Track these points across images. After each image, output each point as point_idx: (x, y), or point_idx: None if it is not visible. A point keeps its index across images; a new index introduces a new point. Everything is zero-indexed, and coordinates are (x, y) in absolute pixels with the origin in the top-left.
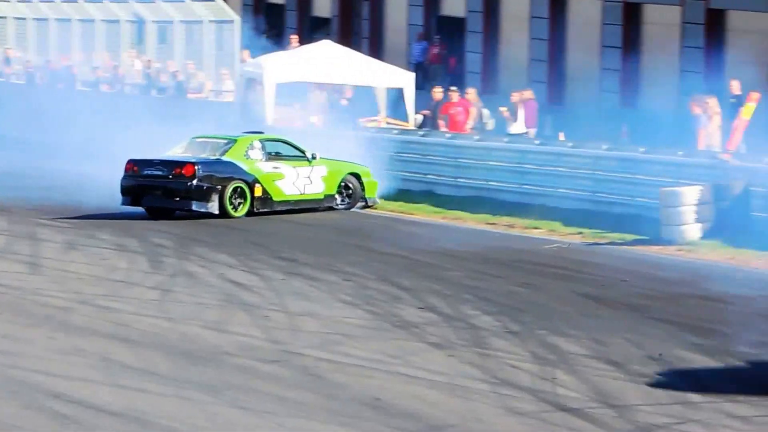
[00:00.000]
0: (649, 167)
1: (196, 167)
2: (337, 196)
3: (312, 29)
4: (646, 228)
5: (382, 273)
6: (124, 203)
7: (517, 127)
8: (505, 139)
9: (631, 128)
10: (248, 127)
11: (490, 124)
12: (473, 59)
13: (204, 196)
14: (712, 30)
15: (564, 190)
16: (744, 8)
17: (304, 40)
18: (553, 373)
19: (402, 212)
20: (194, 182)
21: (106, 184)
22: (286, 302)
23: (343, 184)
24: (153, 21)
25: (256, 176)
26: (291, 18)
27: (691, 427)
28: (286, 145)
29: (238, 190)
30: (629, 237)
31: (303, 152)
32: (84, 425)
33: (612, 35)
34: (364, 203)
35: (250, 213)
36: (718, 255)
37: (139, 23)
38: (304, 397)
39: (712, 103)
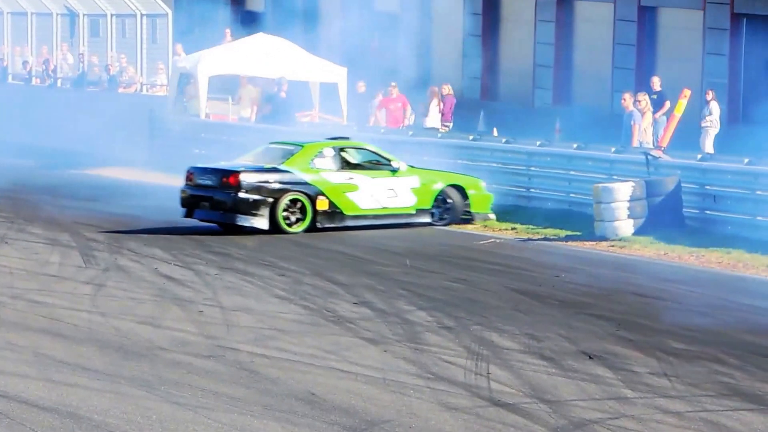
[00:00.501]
0: (583, 163)
1: (241, 176)
2: (434, 210)
3: (245, 23)
4: (579, 224)
5: (317, 268)
6: (183, 215)
7: (431, 121)
8: (439, 135)
9: (565, 124)
10: (181, 120)
11: (412, 119)
12: (406, 54)
13: (250, 208)
14: (644, 27)
15: (497, 186)
16: (674, 6)
17: (237, 34)
18: (487, 369)
19: None
20: (240, 193)
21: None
22: (220, 297)
23: (441, 197)
24: (85, 14)
25: (321, 188)
26: (224, 12)
27: (625, 423)
28: (370, 153)
29: (298, 203)
30: (562, 233)
31: (389, 161)
32: (16, 420)
33: (545, 32)
34: (470, 218)
35: (311, 229)
36: (651, 251)
37: (72, 17)
38: (238, 392)
39: (644, 99)
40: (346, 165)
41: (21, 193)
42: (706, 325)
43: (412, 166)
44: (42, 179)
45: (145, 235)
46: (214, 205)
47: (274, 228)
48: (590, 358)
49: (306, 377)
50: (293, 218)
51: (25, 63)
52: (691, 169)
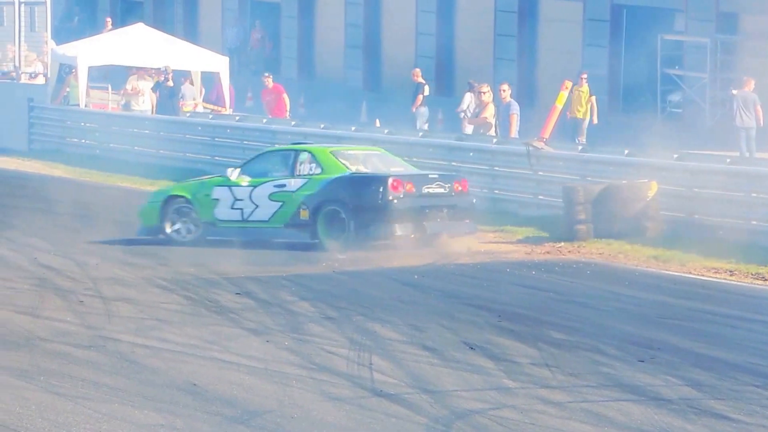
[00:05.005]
0: (465, 154)
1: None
2: None
3: (125, 12)
4: None
5: (199, 258)
6: (401, 231)
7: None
8: (322, 125)
9: (448, 115)
10: (61, 109)
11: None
12: (289, 44)
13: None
14: (526, 17)
15: None
16: None
17: (117, 23)
18: (369, 359)
19: None
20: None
21: None
22: (100, 287)
23: None
24: None
25: None
26: (104, 0)
27: (506, 413)
28: None
29: None
30: None
31: None
32: None
33: (427, 21)
34: None
35: None
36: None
37: None
38: (119, 382)
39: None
40: None
41: None
42: (586, 316)
43: None
44: None
45: (23, 225)
46: (454, 214)
47: None
48: (472, 348)
49: (187, 368)
50: None
51: None
52: (573, 161)
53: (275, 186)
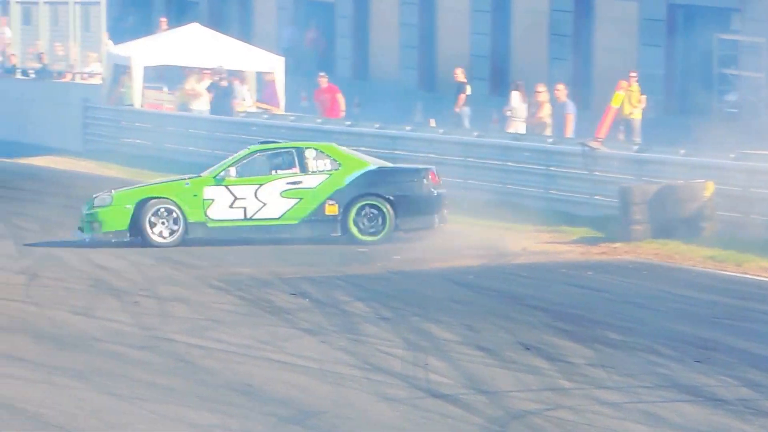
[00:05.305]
0: (520, 154)
1: None
2: None
3: (180, 12)
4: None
5: (253, 259)
6: (439, 221)
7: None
8: (377, 125)
9: (500, 115)
10: (116, 109)
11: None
12: (343, 44)
13: None
14: (581, 17)
15: None
16: None
17: (171, 23)
18: (425, 360)
19: None
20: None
21: None
22: (155, 287)
23: None
24: (17, 2)
25: None
26: (158, 0)
27: (562, 413)
28: None
29: None
30: (499, 224)
31: None
32: None
33: (482, 21)
34: None
35: None
36: (586, 245)
37: (3, 3)
38: (174, 383)
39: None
40: None
41: None
42: (642, 316)
43: None
44: None
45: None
46: (446, 203)
47: None
48: (527, 349)
49: (242, 368)
50: None
51: None
52: (628, 161)
53: (288, 183)
